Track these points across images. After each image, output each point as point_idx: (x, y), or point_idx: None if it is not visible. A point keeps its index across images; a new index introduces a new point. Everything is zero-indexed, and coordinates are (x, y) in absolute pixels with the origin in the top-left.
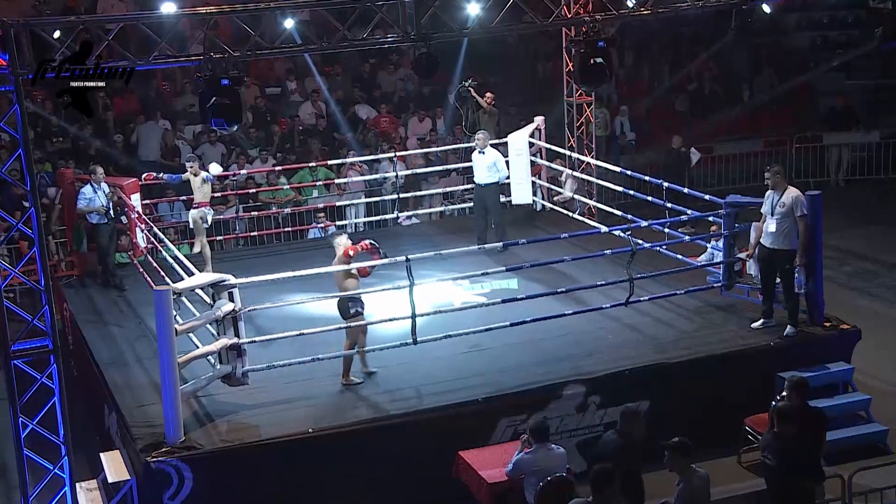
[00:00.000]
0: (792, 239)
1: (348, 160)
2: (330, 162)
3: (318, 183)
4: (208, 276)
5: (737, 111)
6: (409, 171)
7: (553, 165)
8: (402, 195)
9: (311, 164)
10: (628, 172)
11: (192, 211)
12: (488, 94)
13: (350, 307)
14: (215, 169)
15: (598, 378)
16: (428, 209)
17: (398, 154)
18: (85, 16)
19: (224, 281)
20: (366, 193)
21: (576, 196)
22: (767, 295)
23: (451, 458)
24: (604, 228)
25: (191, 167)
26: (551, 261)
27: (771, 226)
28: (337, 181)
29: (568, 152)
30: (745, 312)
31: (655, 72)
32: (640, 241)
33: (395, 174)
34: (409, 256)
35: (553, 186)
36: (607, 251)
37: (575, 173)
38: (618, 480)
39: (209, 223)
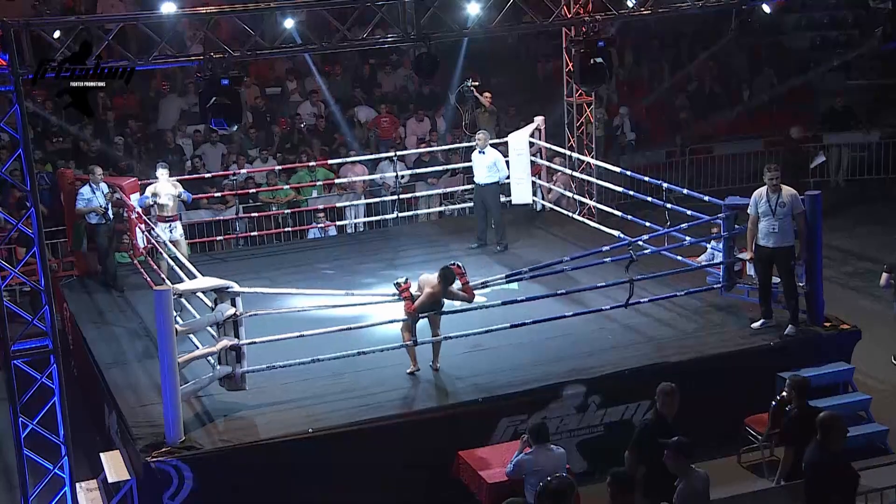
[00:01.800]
0: (792, 236)
1: (348, 160)
2: (330, 161)
3: (317, 183)
4: (211, 281)
5: (737, 111)
6: (409, 171)
7: (553, 165)
8: (401, 195)
9: (310, 165)
10: (628, 172)
11: (175, 225)
12: (486, 94)
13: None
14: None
15: (598, 378)
16: (427, 209)
17: (398, 154)
18: (85, 16)
19: (228, 288)
20: (366, 194)
21: (566, 193)
22: (765, 296)
23: (451, 458)
24: (606, 248)
25: (162, 174)
26: (551, 262)
27: (773, 226)
28: (337, 181)
29: (568, 152)
30: (745, 312)
31: (655, 72)
32: (641, 244)
33: (395, 175)
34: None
35: (553, 186)
36: (607, 252)
37: (574, 173)
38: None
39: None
